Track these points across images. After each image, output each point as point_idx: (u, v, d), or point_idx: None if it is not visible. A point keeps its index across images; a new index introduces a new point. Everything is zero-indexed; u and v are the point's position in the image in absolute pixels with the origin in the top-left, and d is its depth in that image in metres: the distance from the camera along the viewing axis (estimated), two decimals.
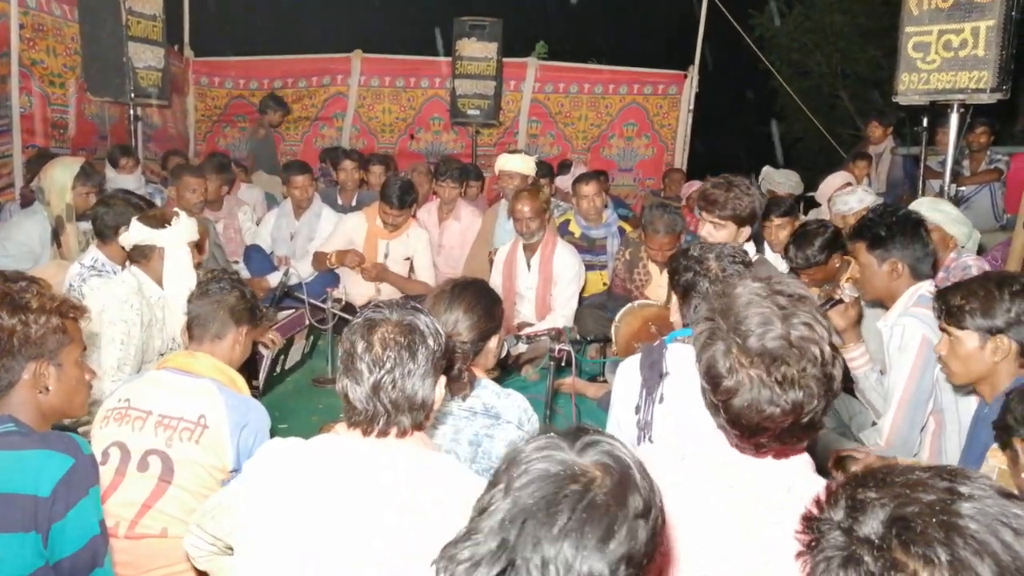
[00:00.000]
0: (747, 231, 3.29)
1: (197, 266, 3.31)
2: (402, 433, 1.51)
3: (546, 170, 6.59)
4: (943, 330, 2.25)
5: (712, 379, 1.40)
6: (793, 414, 1.34)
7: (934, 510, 0.83)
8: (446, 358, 1.59)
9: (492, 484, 1.03)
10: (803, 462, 1.48)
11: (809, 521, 0.93)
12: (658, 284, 4.29)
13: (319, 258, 4.93)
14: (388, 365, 1.47)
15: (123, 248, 3.21)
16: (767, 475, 1.45)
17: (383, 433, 1.49)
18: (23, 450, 1.54)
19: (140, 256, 3.14)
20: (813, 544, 0.91)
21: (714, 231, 3.21)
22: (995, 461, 1.94)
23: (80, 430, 2.35)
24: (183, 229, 3.18)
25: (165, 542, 1.81)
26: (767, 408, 1.34)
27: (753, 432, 1.38)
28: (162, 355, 3.08)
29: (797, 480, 1.45)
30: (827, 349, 1.35)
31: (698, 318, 1.47)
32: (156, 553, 1.94)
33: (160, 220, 3.14)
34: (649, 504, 0.99)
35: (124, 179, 5.27)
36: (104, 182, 4.34)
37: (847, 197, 4.43)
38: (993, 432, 1.98)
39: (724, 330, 1.38)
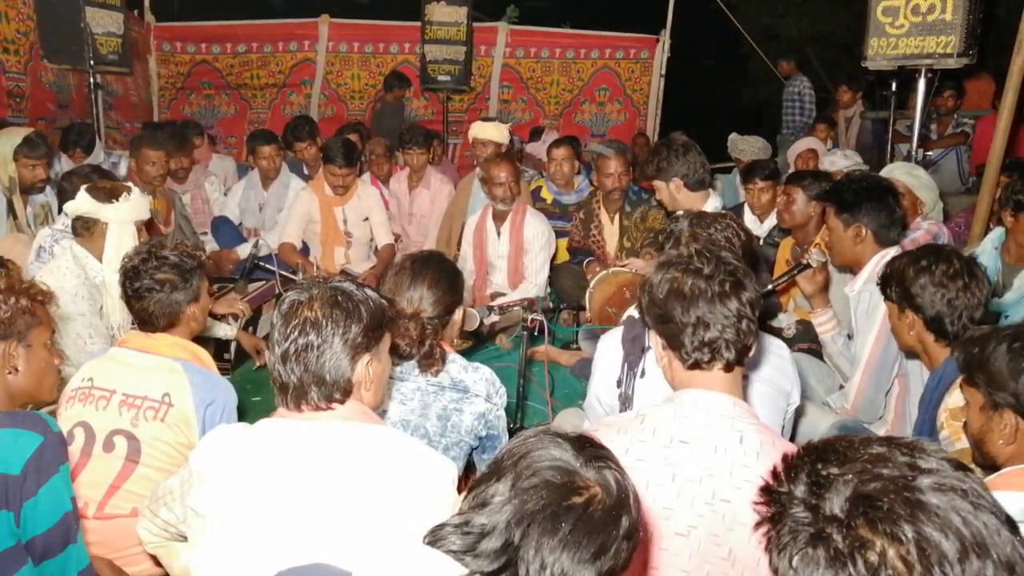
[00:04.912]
0: (678, 182, 3.40)
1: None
2: (341, 399, 1.50)
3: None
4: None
5: (647, 290, 1.63)
6: (719, 284, 1.54)
7: (898, 486, 0.84)
8: (381, 324, 1.56)
9: (496, 475, 1.07)
10: (745, 408, 1.58)
11: (769, 493, 0.94)
12: (611, 234, 4.44)
13: (287, 253, 4.72)
14: (311, 337, 1.46)
15: (64, 213, 3.09)
16: (717, 418, 1.54)
17: (318, 407, 1.49)
18: None
19: (83, 228, 3.02)
20: (776, 518, 0.92)
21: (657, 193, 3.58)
22: (947, 431, 2.00)
23: (44, 410, 2.33)
24: (131, 207, 3.04)
25: (135, 522, 1.80)
26: (687, 279, 1.56)
27: (687, 304, 1.55)
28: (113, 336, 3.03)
29: (745, 427, 1.53)
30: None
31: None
32: (128, 532, 1.92)
33: (108, 194, 2.99)
34: (635, 527, 1.07)
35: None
36: (53, 154, 4.18)
37: (834, 158, 4.73)
38: (934, 402, 2.07)
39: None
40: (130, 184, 3.24)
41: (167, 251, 2.24)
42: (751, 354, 1.63)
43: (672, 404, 1.59)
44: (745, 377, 1.82)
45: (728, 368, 1.57)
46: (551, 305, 4.14)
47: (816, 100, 7.95)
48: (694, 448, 1.51)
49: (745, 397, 1.71)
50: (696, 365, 1.57)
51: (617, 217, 4.37)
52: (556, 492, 1.03)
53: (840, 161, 4.61)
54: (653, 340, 1.67)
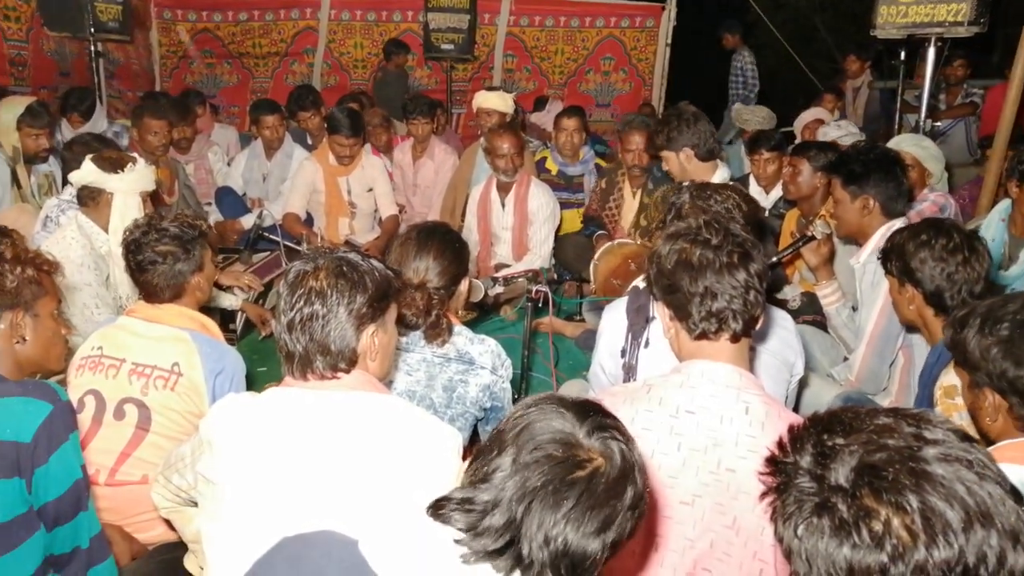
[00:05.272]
0: (688, 152, 3.42)
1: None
2: (347, 369, 1.51)
3: None
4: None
5: (655, 261, 1.63)
6: (727, 255, 1.54)
7: (903, 457, 0.85)
8: (387, 294, 1.56)
9: (498, 448, 1.07)
10: (751, 379, 1.58)
11: (775, 464, 0.95)
12: (629, 209, 4.39)
13: (292, 224, 4.70)
14: (316, 307, 1.46)
15: (70, 184, 3.08)
16: (723, 389, 1.54)
17: (323, 377, 1.50)
18: (1, 398, 1.53)
19: (88, 198, 3.01)
20: (781, 488, 0.92)
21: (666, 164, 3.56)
22: (940, 408, 2.01)
23: (52, 380, 2.34)
24: (136, 177, 3.02)
25: (146, 488, 1.82)
26: (696, 250, 1.56)
27: (695, 274, 1.54)
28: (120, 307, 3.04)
29: (751, 398, 1.53)
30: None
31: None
32: (139, 499, 1.96)
33: (114, 164, 2.98)
34: (640, 497, 1.07)
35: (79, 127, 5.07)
36: (56, 123, 4.16)
37: (827, 129, 4.67)
38: (933, 378, 2.07)
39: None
40: (135, 155, 3.23)
41: (167, 222, 2.23)
42: (759, 326, 1.63)
43: (679, 374, 1.60)
44: (752, 349, 1.82)
45: (735, 339, 1.58)
46: (555, 276, 4.15)
47: (760, 74, 7.91)
48: (700, 418, 1.52)
49: (751, 369, 1.71)
50: (703, 336, 1.57)
51: (639, 193, 4.34)
52: (558, 467, 1.03)
53: (832, 132, 4.55)
54: (660, 311, 1.68)
